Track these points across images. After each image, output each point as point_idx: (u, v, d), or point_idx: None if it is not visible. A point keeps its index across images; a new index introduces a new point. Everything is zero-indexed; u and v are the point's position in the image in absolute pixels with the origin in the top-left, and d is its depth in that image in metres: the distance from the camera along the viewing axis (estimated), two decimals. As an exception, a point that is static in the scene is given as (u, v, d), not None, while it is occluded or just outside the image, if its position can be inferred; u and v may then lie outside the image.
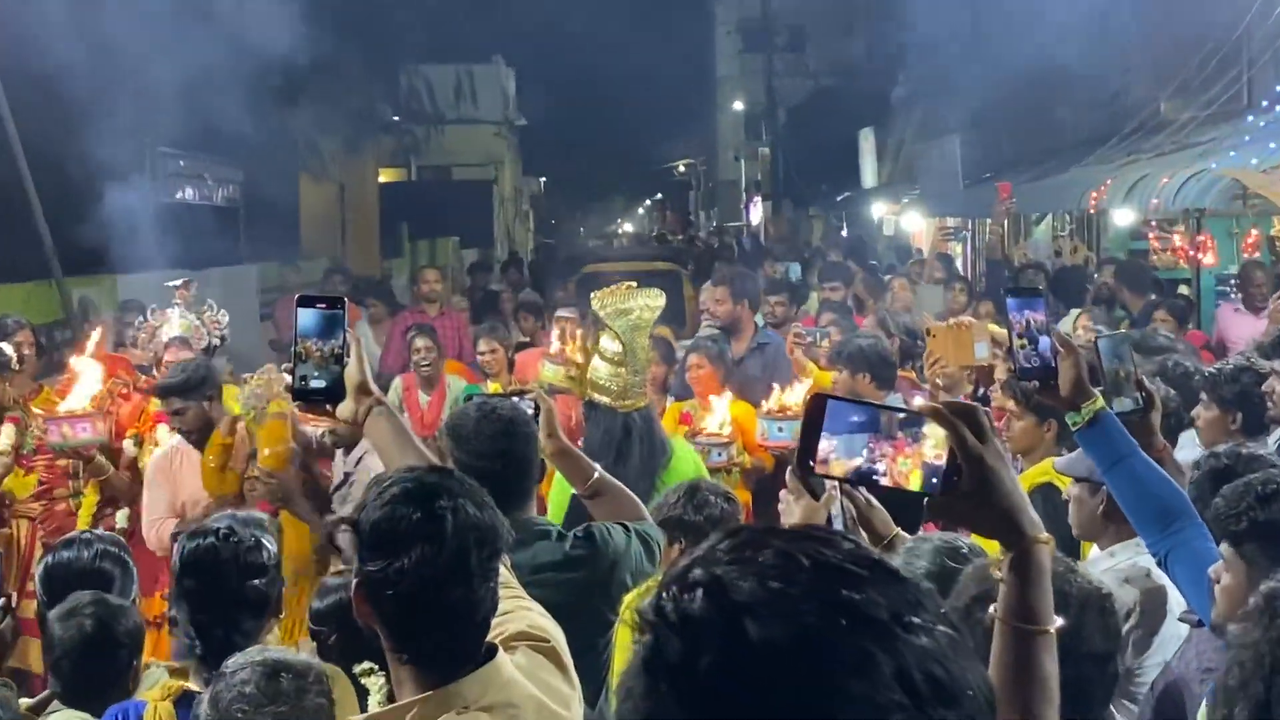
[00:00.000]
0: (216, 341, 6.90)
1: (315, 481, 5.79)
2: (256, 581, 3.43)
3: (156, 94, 11.00)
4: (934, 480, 1.75)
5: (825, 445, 1.78)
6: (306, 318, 2.78)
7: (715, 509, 4.34)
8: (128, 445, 6.53)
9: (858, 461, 1.77)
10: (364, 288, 14.49)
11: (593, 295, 5.31)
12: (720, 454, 6.13)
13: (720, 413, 6.50)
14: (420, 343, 8.65)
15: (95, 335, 6.87)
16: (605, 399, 5.12)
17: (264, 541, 3.50)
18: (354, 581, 2.42)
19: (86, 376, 6.43)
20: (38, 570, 4.19)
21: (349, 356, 2.80)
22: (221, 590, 3.38)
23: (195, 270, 11.27)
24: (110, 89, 10.60)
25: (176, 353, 6.50)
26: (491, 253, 30.32)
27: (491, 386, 8.00)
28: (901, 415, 1.77)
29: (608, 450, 4.97)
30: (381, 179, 27.92)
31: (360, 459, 5.75)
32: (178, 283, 6.76)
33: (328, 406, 2.82)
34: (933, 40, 20.98)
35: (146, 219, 11.58)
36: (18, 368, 6.77)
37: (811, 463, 1.79)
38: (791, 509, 2.88)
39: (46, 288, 11.85)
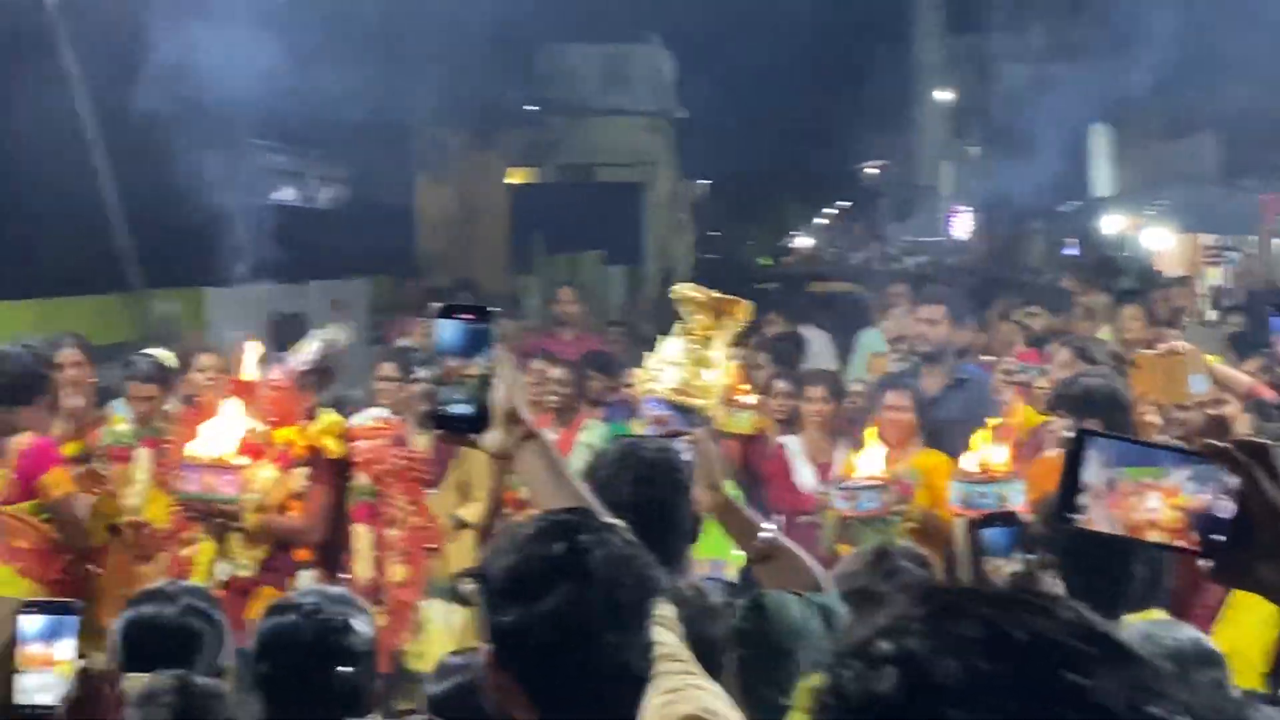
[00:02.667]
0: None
1: None
2: (345, 670, 3.44)
3: (249, 77, 11.21)
4: (1214, 535, 1.73)
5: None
6: (447, 331, 2.80)
7: (910, 576, 4.25)
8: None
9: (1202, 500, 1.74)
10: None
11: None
12: (871, 500, 6.05)
13: (875, 453, 6.44)
14: (557, 373, 8.82)
15: (250, 352, 6.86)
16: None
17: (354, 623, 3.51)
18: (486, 648, 2.44)
19: (228, 413, 6.47)
20: (114, 625, 4.21)
21: (497, 378, 2.80)
22: (303, 679, 3.41)
23: (295, 283, 11.48)
24: (196, 71, 10.82)
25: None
26: (641, 270, 30.48)
27: (638, 426, 8.01)
28: (1175, 455, 1.76)
29: None
30: (512, 180, 28.25)
31: None
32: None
33: (471, 436, 2.83)
34: (1185, 11, 20.60)
35: (238, 223, 11.81)
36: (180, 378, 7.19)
37: (1070, 515, 1.77)
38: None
39: (122, 302, 12.16)
